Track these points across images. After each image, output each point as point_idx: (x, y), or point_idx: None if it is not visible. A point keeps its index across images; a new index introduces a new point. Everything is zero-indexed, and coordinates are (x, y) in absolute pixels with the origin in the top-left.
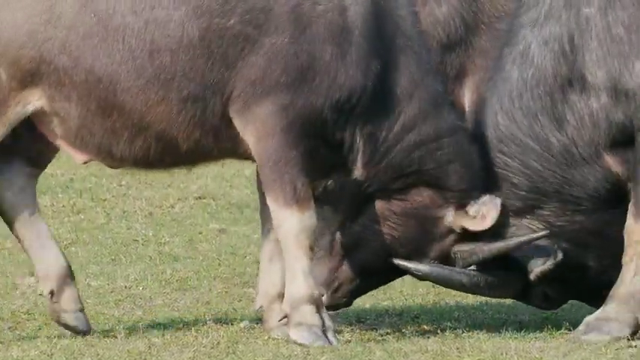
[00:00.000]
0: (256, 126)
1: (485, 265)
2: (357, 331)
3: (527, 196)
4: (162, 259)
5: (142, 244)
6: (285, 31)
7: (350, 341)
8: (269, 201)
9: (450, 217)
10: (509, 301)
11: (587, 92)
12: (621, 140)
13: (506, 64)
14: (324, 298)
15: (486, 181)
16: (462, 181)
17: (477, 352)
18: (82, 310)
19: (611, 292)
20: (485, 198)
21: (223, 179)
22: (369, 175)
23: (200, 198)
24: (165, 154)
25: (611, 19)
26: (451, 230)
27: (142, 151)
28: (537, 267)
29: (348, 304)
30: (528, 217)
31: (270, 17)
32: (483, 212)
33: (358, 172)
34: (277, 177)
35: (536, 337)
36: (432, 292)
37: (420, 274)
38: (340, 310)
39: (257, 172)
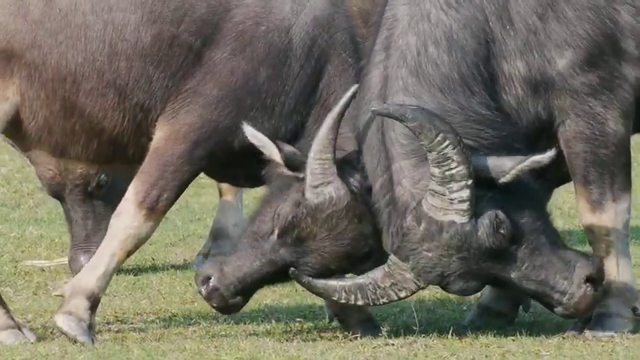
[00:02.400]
0: (173, 128)
1: None
2: (116, 329)
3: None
4: None
5: None
6: (227, 46)
7: (108, 340)
8: (131, 188)
9: None
10: (267, 299)
11: (503, 80)
12: None
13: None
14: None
15: None
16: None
17: (235, 351)
18: (13, 326)
19: (603, 291)
20: None
21: None
22: None
23: None
24: (114, 157)
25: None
26: None
27: (95, 153)
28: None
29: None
30: None
31: (216, 31)
32: None
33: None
34: (155, 177)
35: (294, 335)
36: (190, 290)
37: None
38: (99, 309)
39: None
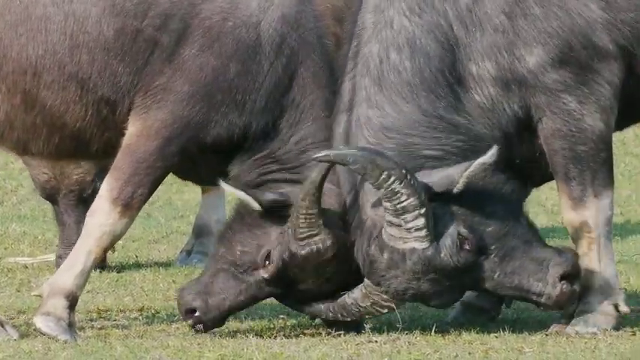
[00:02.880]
0: (145, 124)
1: None
2: (99, 326)
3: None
4: None
5: None
6: (195, 42)
7: (91, 337)
8: (104, 185)
9: None
10: None
11: (473, 82)
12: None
13: (390, 54)
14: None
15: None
16: None
17: (219, 348)
18: None
19: (584, 287)
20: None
21: None
22: (254, 181)
23: None
24: (77, 152)
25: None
26: None
27: (56, 148)
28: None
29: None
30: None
31: (183, 26)
32: None
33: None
34: (128, 173)
35: (277, 332)
36: (173, 287)
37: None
38: (82, 306)
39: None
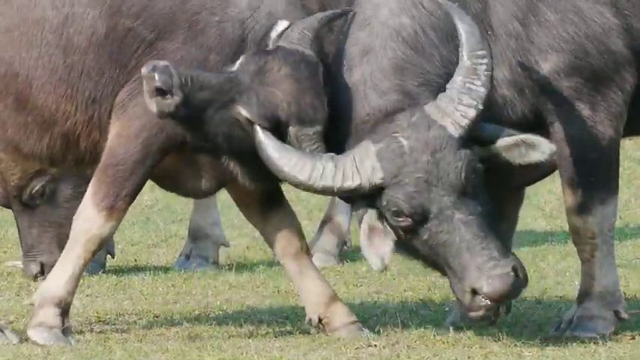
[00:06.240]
0: (125, 122)
1: None
2: (98, 330)
3: None
4: None
5: None
6: (179, 36)
7: (90, 341)
8: (89, 188)
9: None
10: (249, 300)
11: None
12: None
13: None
14: None
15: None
16: None
17: (218, 352)
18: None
19: (584, 293)
20: None
21: None
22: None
23: None
24: (67, 153)
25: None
26: None
27: (48, 148)
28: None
29: None
30: None
31: (170, 22)
32: None
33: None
34: (111, 176)
35: (276, 336)
36: (172, 291)
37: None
38: (81, 310)
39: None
